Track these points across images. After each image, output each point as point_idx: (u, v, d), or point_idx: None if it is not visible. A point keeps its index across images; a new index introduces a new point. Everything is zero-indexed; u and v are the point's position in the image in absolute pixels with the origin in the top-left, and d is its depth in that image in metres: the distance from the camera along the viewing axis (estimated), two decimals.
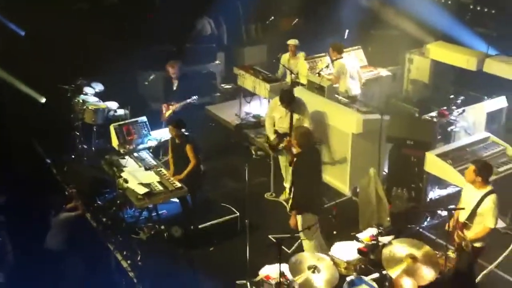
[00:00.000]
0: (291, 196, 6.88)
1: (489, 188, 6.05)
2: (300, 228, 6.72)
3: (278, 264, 5.72)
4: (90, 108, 9.39)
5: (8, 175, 8.34)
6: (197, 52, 11.71)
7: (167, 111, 9.40)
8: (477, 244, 6.09)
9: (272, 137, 8.31)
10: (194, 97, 9.37)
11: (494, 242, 6.35)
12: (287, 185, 8.29)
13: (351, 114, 8.56)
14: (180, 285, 6.81)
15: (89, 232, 7.85)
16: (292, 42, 10.16)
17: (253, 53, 12.72)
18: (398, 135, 8.06)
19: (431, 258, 5.82)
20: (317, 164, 7.02)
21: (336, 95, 9.23)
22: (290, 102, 8.01)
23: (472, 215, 6.04)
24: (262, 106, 10.65)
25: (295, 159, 6.90)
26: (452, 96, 8.90)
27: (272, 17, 13.13)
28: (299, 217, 6.79)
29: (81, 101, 9.50)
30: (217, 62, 12.46)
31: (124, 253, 7.39)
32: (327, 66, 9.93)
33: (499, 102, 8.84)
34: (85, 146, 9.67)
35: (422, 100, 10.61)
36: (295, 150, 7.07)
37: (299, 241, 7.52)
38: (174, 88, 9.49)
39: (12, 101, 10.22)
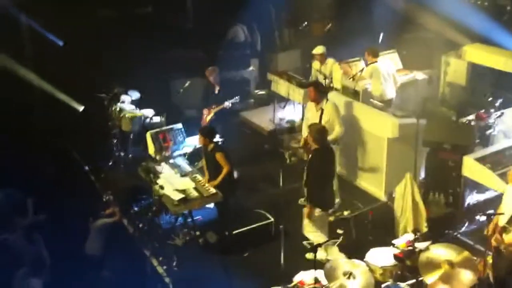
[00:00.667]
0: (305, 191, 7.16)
1: None
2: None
3: (313, 270, 5.68)
4: (127, 116, 9.54)
5: (47, 182, 8.54)
6: (230, 59, 11.79)
7: (209, 115, 9.48)
8: None
9: None
10: (236, 97, 9.43)
11: None
12: None
13: (386, 118, 8.47)
14: None
15: (126, 238, 7.97)
16: (316, 51, 10.08)
17: (287, 58, 12.73)
18: (434, 139, 7.93)
19: (469, 263, 5.70)
20: (330, 162, 7.37)
21: (371, 99, 9.15)
22: (320, 95, 8.10)
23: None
24: (296, 112, 10.65)
25: (310, 155, 7.14)
26: (490, 99, 8.72)
27: (305, 22, 13.11)
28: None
29: (118, 109, 9.66)
30: (251, 68, 12.52)
31: (160, 258, 7.48)
32: (361, 71, 9.86)
33: None
34: (122, 154, 9.82)
35: (459, 103, 10.41)
36: (312, 146, 7.23)
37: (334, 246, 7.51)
38: (216, 92, 9.58)
39: (51, 109, 10.49)
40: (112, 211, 7.64)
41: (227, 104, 9.35)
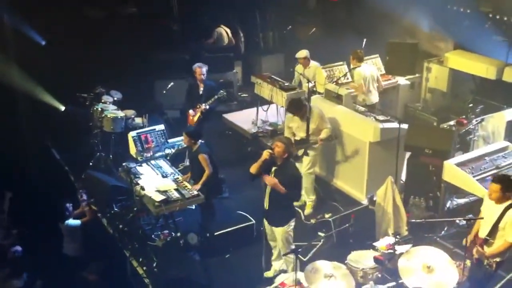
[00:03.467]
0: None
1: (510, 201, 5.88)
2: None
3: (294, 272, 5.69)
4: (108, 116, 9.47)
5: (25, 182, 8.45)
6: (214, 61, 11.79)
7: (196, 115, 9.44)
8: (496, 259, 5.96)
9: None
10: (223, 92, 9.40)
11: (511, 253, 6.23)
12: (303, 192, 8.27)
13: (368, 123, 8.53)
14: None
15: (105, 238, 7.91)
16: (299, 55, 10.11)
17: (270, 62, 12.77)
18: (416, 144, 8.00)
19: (449, 267, 5.75)
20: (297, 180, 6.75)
21: (354, 104, 9.21)
22: (296, 110, 8.11)
23: (494, 230, 5.89)
24: (278, 115, 10.66)
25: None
26: (471, 105, 8.83)
27: (290, 26, 13.16)
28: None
29: (99, 109, 9.59)
30: (234, 71, 12.52)
31: (140, 259, 7.43)
32: (345, 75, 9.92)
33: None
34: (103, 154, 9.75)
35: (440, 109, 10.53)
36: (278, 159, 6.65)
37: (315, 249, 7.52)
38: (201, 92, 9.54)
39: (31, 108, 10.38)
40: (83, 210, 7.60)
41: (214, 99, 9.31)
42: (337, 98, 9.16)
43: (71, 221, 7.48)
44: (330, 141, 8.33)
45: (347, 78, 9.96)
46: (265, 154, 6.56)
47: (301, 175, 6.98)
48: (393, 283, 6.09)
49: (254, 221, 7.79)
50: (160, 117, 10.57)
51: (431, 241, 7.43)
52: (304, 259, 7.13)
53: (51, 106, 10.31)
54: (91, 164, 9.66)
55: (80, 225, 7.50)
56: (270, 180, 6.46)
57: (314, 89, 9.85)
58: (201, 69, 9.46)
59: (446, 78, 10.86)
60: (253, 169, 6.59)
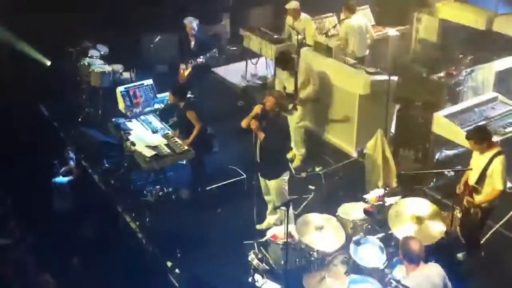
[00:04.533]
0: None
1: (496, 149, 6.02)
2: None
3: (285, 224, 5.76)
4: (96, 71, 9.35)
5: (13, 138, 8.37)
6: (201, 13, 11.56)
7: (186, 71, 9.33)
8: (485, 205, 6.09)
9: None
10: (214, 50, 9.28)
11: (500, 202, 6.34)
12: (293, 145, 8.30)
13: (358, 75, 8.49)
14: (188, 246, 6.89)
15: (97, 194, 7.93)
16: (290, 6, 9.87)
17: (259, 14, 12.55)
18: (405, 96, 8.01)
19: (438, 217, 5.85)
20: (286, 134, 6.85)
21: (344, 56, 9.14)
22: (284, 64, 8.03)
23: (482, 177, 6.01)
24: (268, 68, 10.59)
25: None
26: (460, 56, 8.78)
27: None
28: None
29: (86, 64, 9.46)
30: (222, 23, 12.32)
31: (133, 215, 7.48)
32: (334, 26, 9.81)
33: (508, 62, 8.72)
34: (92, 109, 9.67)
35: (430, 60, 10.47)
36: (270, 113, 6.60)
37: (306, 202, 7.61)
38: (192, 47, 9.40)
39: (17, 63, 10.20)
40: (69, 168, 7.59)
41: (206, 56, 9.20)
42: (327, 51, 9.07)
43: (59, 179, 7.48)
44: (313, 101, 8.23)
45: (337, 30, 9.85)
46: (257, 108, 6.54)
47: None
48: (383, 234, 6.19)
49: (245, 175, 7.83)
50: (148, 72, 10.44)
51: (420, 193, 7.54)
52: (295, 212, 7.21)
53: (37, 61, 10.13)
54: (80, 120, 9.60)
55: (67, 182, 7.50)
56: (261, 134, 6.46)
57: (304, 41, 9.76)
58: (191, 24, 9.28)
59: (436, 29, 10.77)
60: (245, 123, 6.58)
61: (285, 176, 6.79)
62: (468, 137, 6.18)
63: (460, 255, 6.53)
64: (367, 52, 9.68)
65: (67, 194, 7.55)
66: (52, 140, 9.07)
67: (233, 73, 11.18)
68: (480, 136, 6.05)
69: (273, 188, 6.80)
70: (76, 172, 7.67)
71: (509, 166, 6.18)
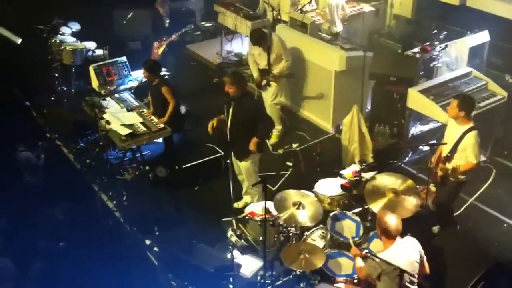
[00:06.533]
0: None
1: (470, 124, 6.10)
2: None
3: (263, 201, 5.77)
4: (68, 48, 9.17)
5: None
6: None
7: (160, 48, 9.21)
8: (460, 177, 6.18)
9: (255, 74, 8.25)
10: (190, 25, 9.17)
11: (474, 175, 6.46)
12: None
13: (334, 52, 8.49)
14: (166, 224, 6.88)
15: (73, 173, 7.84)
16: None
17: None
18: (381, 72, 8.04)
19: (413, 191, 5.92)
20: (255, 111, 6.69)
21: (319, 33, 9.12)
22: (258, 40, 7.99)
23: (454, 150, 6.12)
24: (243, 45, 10.51)
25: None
26: (435, 32, 8.82)
27: None
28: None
29: (58, 41, 9.26)
30: None
31: (110, 193, 7.42)
32: (309, 2, 9.75)
33: (481, 37, 8.79)
34: (65, 88, 9.50)
35: (404, 36, 10.51)
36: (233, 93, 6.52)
37: (284, 178, 7.64)
38: (166, 25, 9.28)
39: None
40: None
41: (181, 32, 9.10)
42: (302, 27, 9.04)
43: (24, 154, 7.36)
44: (287, 77, 8.21)
45: (312, 6, 9.81)
46: (209, 128, 6.67)
47: (261, 108, 6.95)
48: (360, 209, 6.26)
49: (222, 153, 7.81)
50: (122, 49, 10.28)
51: (395, 167, 7.63)
52: (273, 189, 7.24)
53: (7, 39, 9.86)
54: (52, 98, 9.43)
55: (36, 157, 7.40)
56: None
57: (279, 17, 9.71)
58: (161, 7, 9.19)
59: (410, 4, 10.79)
60: (210, 130, 6.67)
61: (255, 157, 6.78)
62: (455, 96, 6.37)
63: (435, 228, 6.66)
64: (342, 28, 9.66)
65: (40, 173, 7.44)
66: (25, 120, 8.90)
67: (208, 49, 11.07)
68: (466, 102, 6.12)
69: (243, 168, 6.82)
70: (43, 147, 7.52)
71: (483, 140, 6.28)
